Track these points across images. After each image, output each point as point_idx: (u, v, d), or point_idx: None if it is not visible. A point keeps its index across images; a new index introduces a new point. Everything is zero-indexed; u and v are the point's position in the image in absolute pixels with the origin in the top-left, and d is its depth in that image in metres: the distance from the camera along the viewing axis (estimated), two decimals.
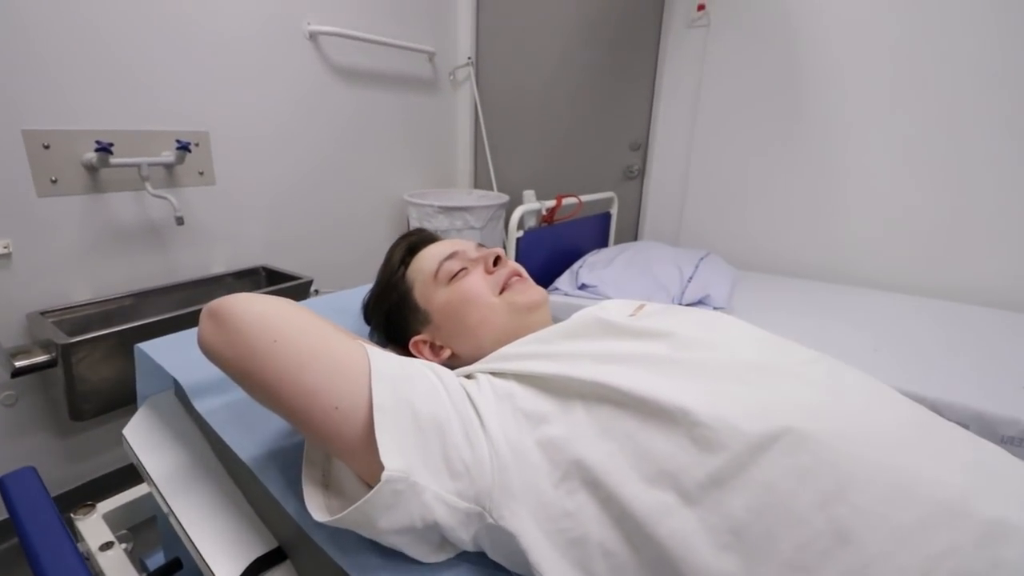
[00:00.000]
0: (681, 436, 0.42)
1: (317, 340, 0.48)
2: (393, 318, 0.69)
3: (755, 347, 0.53)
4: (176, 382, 0.69)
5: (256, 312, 0.48)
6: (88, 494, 1.50)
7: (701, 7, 1.94)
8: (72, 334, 1.18)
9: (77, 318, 1.35)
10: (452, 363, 0.62)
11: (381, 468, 0.41)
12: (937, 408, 1.07)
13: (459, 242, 0.70)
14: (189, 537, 0.58)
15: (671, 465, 0.42)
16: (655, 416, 0.44)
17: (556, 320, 0.68)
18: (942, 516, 0.36)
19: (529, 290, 0.65)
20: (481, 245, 0.70)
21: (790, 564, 0.37)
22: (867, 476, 0.38)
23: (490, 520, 0.44)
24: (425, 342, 0.66)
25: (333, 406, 0.45)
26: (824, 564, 0.36)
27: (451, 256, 0.66)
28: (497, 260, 0.66)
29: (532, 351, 0.55)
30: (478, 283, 0.64)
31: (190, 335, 0.75)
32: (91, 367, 1.21)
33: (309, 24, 1.73)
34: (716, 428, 0.41)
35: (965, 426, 1.05)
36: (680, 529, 0.40)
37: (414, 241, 0.73)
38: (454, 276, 0.65)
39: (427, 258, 0.68)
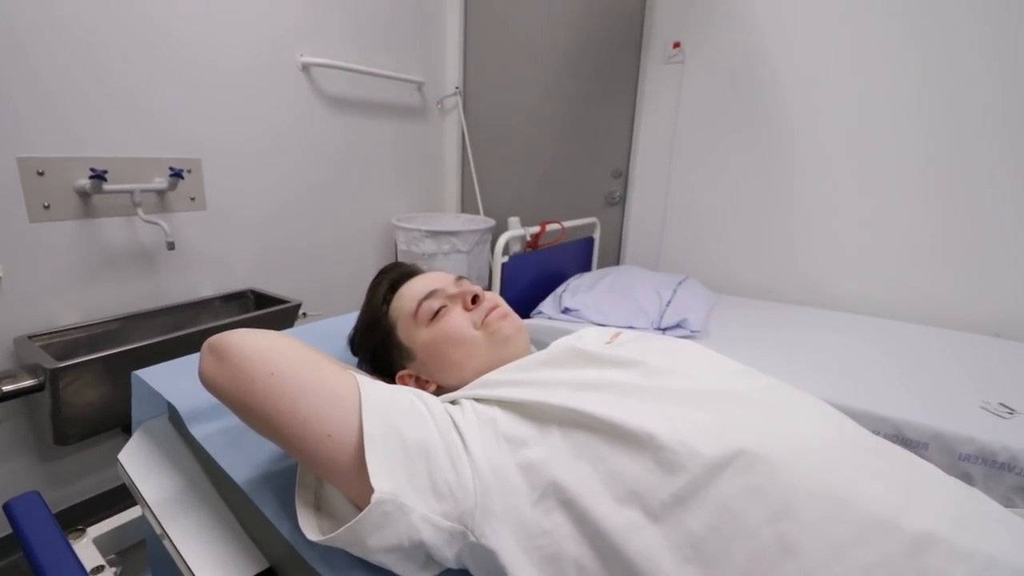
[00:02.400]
0: (647, 459, 0.46)
1: (312, 372, 0.51)
2: (379, 354, 0.72)
3: (716, 375, 0.58)
4: (172, 408, 0.71)
5: (254, 346, 0.51)
6: (71, 520, 1.48)
7: (676, 45, 2.04)
8: (59, 358, 1.19)
9: (65, 342, 1.36)
10: (437, 394, 0.66)
11: (371, 491, 0.44)
12: (898, 428, 1.12)
13: (437, 277, 0.72)
14: (183, 559, 0.60)
15: (639, 486, 0.45)
16: (624, 440, 0.48)
17: (539, 343, 0.72)
18: (875, 530, 0.40)
19: (507, 322, 0.68)
20: (461, 278, 0.72)
21: (743, 575, 0.41)
22: (810, 494, 0.42)
23: (472, 538, 0.47)
24: (411, 376, 0.68)
25: (326, 434, 0.48)
26: (772, 574, 0.40)
27: (430, 295, 0.68)
28: (475, 298, 0.68)
29: (513, 379, 0.59)
30: (459, 321, 0.66)
31: (185, 362, 0.78)
32: (78, 391, 1.22)
33: (301, 56, 1.79)
34: (678, 451, 0.45)
35: (925, 445, 1.10)
36: (646, 545, 0.43)
37: (394, 278, 0.74)
38: (435, 315, 0.67)
39: (406, 298, 0.70)
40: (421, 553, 0.49)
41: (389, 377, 0.71)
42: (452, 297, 0.68)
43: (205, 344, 0.54)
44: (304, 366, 0.51)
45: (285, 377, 0.49)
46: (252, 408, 0.50)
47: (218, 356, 0.52)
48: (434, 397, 0.56)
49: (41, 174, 1.28)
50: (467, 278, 0.73)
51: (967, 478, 1.05)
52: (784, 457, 0.44)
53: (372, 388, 0.52)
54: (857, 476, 0.44)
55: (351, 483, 0.48)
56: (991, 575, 0.38)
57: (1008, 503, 1.02)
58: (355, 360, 0.79)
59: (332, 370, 0.53)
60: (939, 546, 0.39)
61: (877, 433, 0.77)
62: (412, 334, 0.68)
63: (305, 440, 0.48)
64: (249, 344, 0.52)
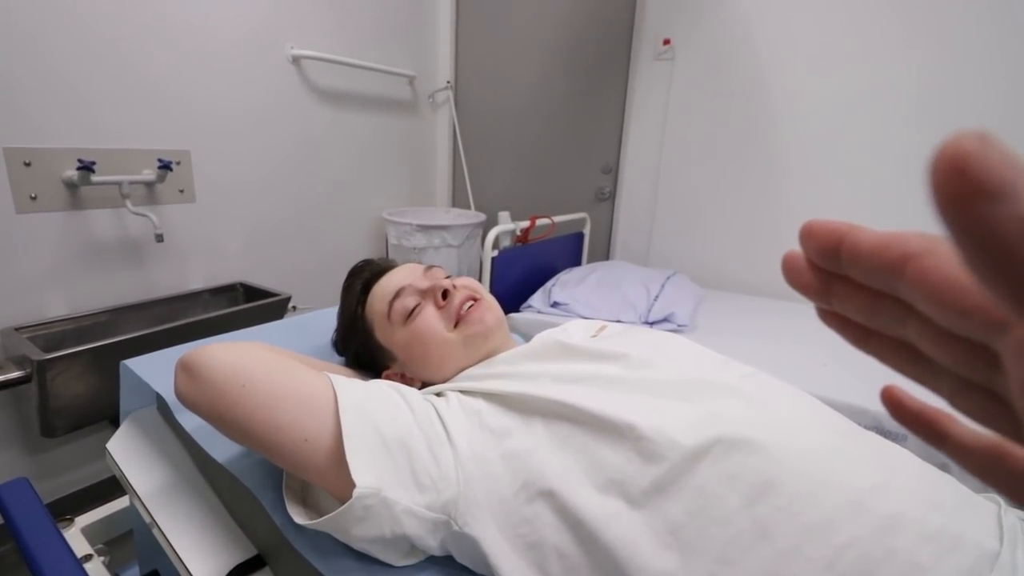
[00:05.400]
0: (628, 449, 0.47)
1: (284, 380, 0.51)
2: (362, 356, 0.72)
3: (697, 366, 0.59)
4: (160, 397, 0.72)
5: (224, 360, 0.51)
6: (58, 512, 1.48)
7: (666, 42, 2.05)
8: (47, 350, 1.19)
9: (52, 334, 1.35)
10: (422, 388, 0.66)
11: (353, 487, 0.45)
12: (877, 419, 1.15)
13: (406, 272, 0.70)
14: (172, 547, 0.60)
15: (619, 474, 0.47)
16: (606, 431, 0.49)
17: (528, 336, 0.73)
18: (846, 512, 0.42)
19: (484, 317, 0.65)
20: (430, 267, 0.71)
21: (719, 559, 0.42)
22: (784, 479, 0.44)
23: (455, 528, 0.48)
24: (396, 374, 0.68)
25: (303, 439, 0.49)
26: (747, 557, 0.41)
27: (398, 294, 0.66)
28: (446, 293, 0.66)
29: (498, 372, 0.60)
30: (431, 322, 0.64)
31: (173, 353, 0.78)
32: (65, 383, 1.22)
33: (292, 48, 1.78)
34: (658, 441, 0.47)
35: (904, 436, 1.12)
36: (626, 532, 0.45)
37: (367, 278, 0.73)
38: (409, 314, 0.65)
39: (377, 299, 0.69)
40: (405, 542, 0.50)
41: (375, 374, 0.71)
42: (424, 293, 0.67)
43: (177, 362, 0.54)
44: (276, 374, 0.52)
45: (257, 387, 0.50)
46: (228, 421, 0.50)
47: (190, 373, 0.52)
48: (414, 390, 0.57)
49: (28, 165, 1.27)
50: (439, 267, 0.72)
51: (945, 468, 1.06)
52: (760, 444, 0.46)
53: (348, 387, 0.52)
54: (830, 461, 0.46)
55: (333, 483, 0.49)
56: (957, 555, 0.40)
57: (983, 491, 1.05)
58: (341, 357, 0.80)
59: (306, 375, 0.53)
60: (908, 527, 0.41)
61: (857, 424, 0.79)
62: (389, 335, 0.67)
63: (283, 447, 0.49)
64: (219, 358, 0.52)
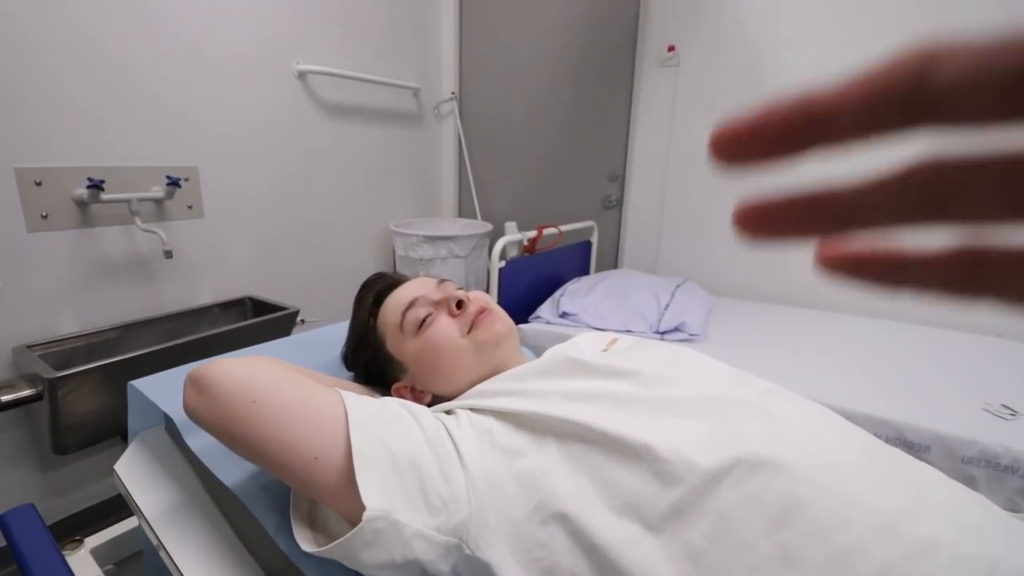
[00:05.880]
0: (644, 470, 0.46)
1: (294, 396, 0.50)
2: (372, 368, 0.71)
3: (712, 381, 0.57)
4: (168, 418, 0.71)
5: (234, 375, 0.51)
6: (70, 529, 1.48)
7: (671, 48, 2.04)
8: (57, 367, 1.19)
9: (63, 351, 1.35)
10: (433, 404, 0.65)
11: (363, 509, 0.44)
12: (900, 431, 1.12)
13: (419, 284, 0.71)
14: (179, 570, 0.59)
15: (635, 497, 0.45)
16: (621, 451, 0.47)
17: (538, 348, 0.71)
18: (877, 536, 0.40)
19: (495, 324, 0.66)
20: (444, 281, 0.71)
21: None
22: (810, 501, 0.42)
23: (467, 551, 0.47)
24: (406, 387, 0.68)
25: (313, 456, 0.47)
26: None
27: (412, 304, 0.66)
28: (460, 304, 0.66)
29: (508, 388, 0.59)
30: (445, 329, 0.65)
31: (181, 372, 0.77)
32: (77, 401, 1.22)
33: (298, 64, 1.79)
34: (675, 463, 0.45)
35: (927, 448, 1.10)
36: (644, 558, 0.43)
37: (379, 290, 0.73)
38: (421, 324, 0.65)
39: (390, 310, 0.69)
40: (415, 567, 0.49)
41: (385, 389, 0.70)
42: (437, 304, 0.67)
43: (187, 376, 0.53)
44: (286, 390, 0.51)
45: (267, 403, 0.49)
46: (237, 437, 0.49)
47: (199, 388, 0.51)
48: (424, 408, 0.56)
49: (39, 184, 1.28)
50: (450, 281, 0.72)
51: (970, 481, 1.04)
52: (782, 464, 0.44)
53: (358, 405, 0.51)
54: (857, 481, 0.44)
55: (342, 503, 0.48)
56: None
57: (1012, 506, 1.02)
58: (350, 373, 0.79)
59: (316, 391, 0.52)
60: (942, 552, 0.39)
61: (878, 436, 0.77)
62: (401, 346, 0.67)
63: (292, 464, 0.48)
64: (229, 373, 0.51)
